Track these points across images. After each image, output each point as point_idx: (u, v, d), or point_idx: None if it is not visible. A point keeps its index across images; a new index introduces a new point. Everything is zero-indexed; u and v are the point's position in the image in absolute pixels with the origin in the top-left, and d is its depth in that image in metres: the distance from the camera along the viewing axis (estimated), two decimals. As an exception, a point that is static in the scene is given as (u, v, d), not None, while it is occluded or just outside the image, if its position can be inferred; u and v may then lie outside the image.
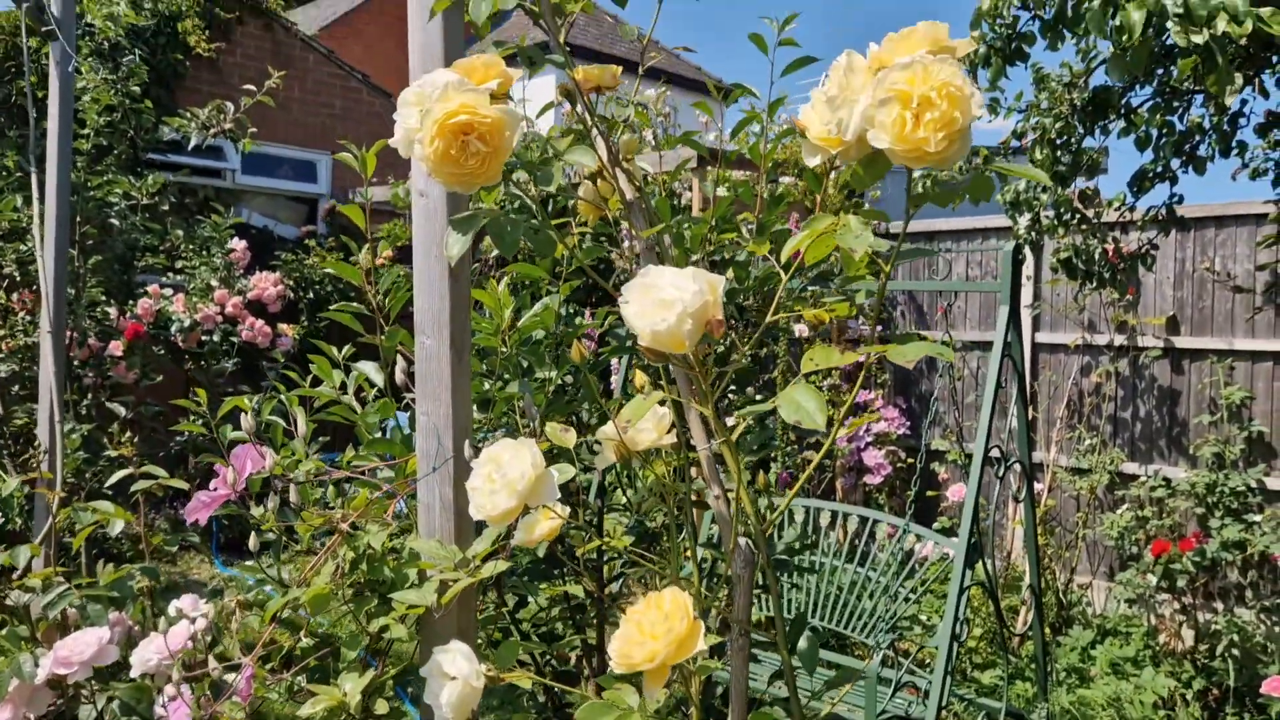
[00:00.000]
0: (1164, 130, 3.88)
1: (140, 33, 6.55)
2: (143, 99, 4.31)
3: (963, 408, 6.01)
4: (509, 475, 1.09)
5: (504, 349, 1.96)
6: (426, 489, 1.45)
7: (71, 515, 2.17)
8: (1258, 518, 4.86)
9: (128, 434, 2.45)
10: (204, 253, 6.29)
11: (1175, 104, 3.74)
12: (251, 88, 4.11)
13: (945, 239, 6.38)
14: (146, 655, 1.88)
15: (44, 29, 2.91)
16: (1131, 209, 4.06)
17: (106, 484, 2.31)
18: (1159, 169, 3.92)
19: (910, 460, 6.02)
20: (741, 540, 1.26)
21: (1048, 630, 4.94)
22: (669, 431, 1.31)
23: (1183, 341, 5.35)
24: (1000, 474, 3.91)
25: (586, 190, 1.58)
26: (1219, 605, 5.02)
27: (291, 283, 7.69)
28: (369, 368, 1.87)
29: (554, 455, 1.47)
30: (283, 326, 7.07)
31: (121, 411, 3.60)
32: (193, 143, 4.15)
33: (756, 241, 1.29)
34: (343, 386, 2.06)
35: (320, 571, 1.38)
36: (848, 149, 1.12)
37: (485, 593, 1.95)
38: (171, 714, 1.36)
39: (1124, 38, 1.92)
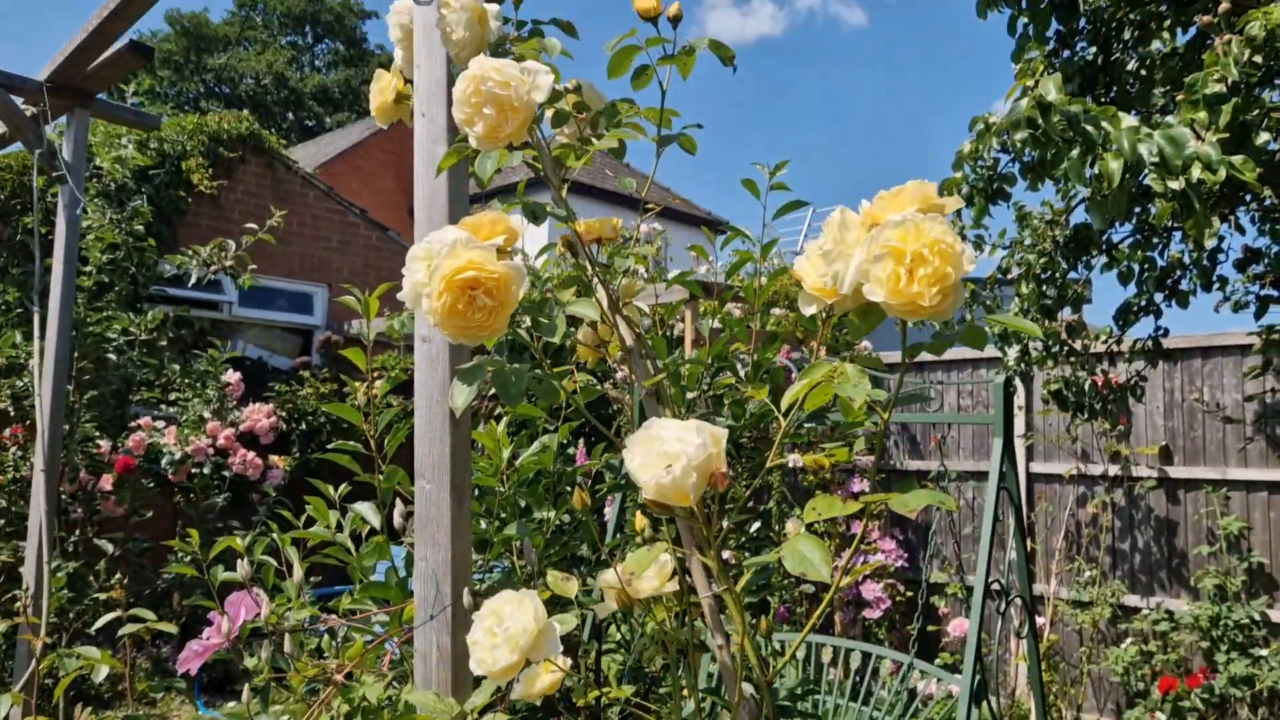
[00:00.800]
0: (1145, 266, 3.97)
1: (146, 175, 6.73)
2: (146, 237, 4.40)
3: (960, 539, 5.96)
4: (511, 629, 1.07)
5: (502, 489, 1.96)
6: (423, 637, 1.43)
7: (56, 662, 2.11)
8: (1264, 651, 4.77)
9: (117, 575, 2.41)
10: (199, 386, 6.32)
11: (1155, 240, 3.85)
12: (254, 226, 4.22)
13: (936, 369, 6.44)
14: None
15: (55, 174, 2.99)
16: (1119, 341, 4.12)
17: (94, 627, 2.26)
18: (1143, 303, 4.00)
19: (909, 593, 5.93)
20: (746, 687, 1.23)
21: (1057, 772, 4.78)
22: (671, 578, 1.30)
23: (1177, 471, 5.35)
24: (1001, 609, 3.85)
25: (586, 335, 1.61)
26: (1231, 744, 4.88)
27: (284, 414, 7.69)
28: (366, 509, 1.85)
29: (554, 602, 1.46)
30: (274, 459, 7.03)
31: (109, 549, 3.55)
32: (193, 279, 4.24)
33: (755, 387, 1.30)
34: (338, 526, 2.04)
35: (313, 725, 1.34)
36: (843, 300, 1.15)
37: (479, 742, 1.89)
38: None
39: (1103, 185, 1.99)
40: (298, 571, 1.58)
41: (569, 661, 1.19)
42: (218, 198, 8.02)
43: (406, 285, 1.11)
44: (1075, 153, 2.04)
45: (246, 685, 1.43)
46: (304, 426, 7.96)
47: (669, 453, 0.95)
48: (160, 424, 6.68)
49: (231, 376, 7.20)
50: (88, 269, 4.08)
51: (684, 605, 1.39)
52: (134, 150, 5.29)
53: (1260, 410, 5.07)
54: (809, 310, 1.23)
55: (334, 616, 1.64)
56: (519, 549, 2.02)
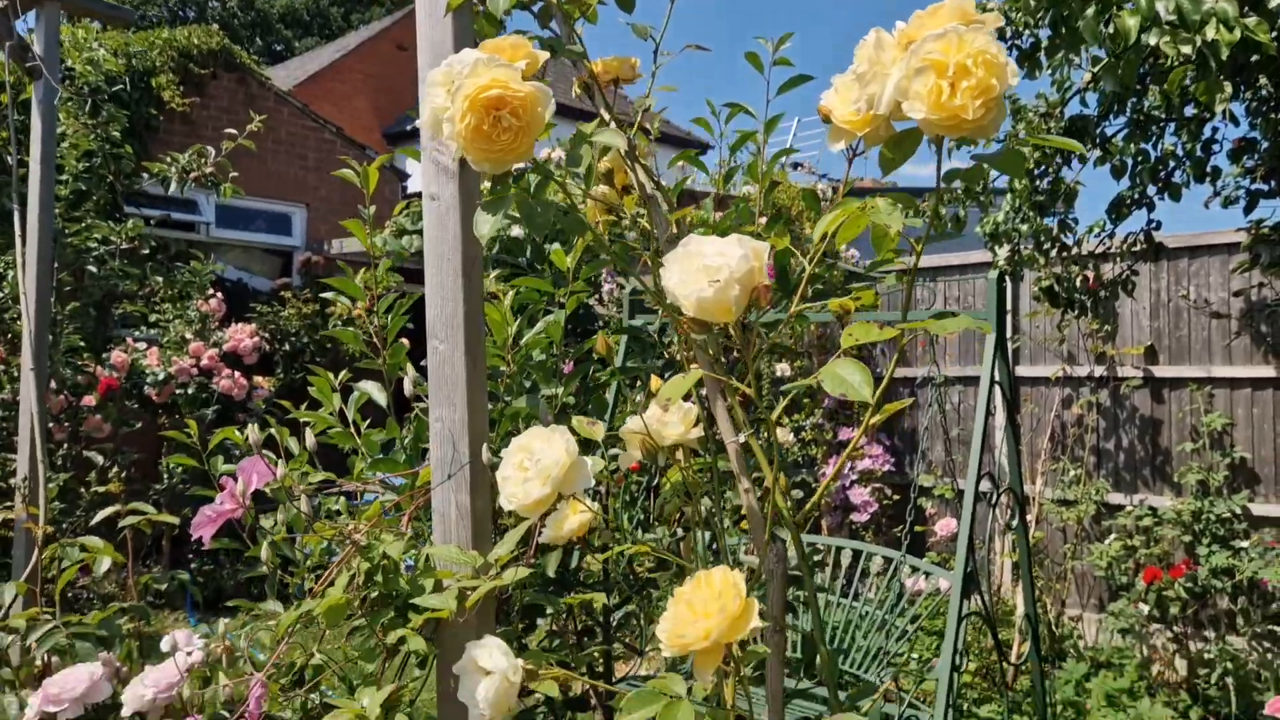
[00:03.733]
0: (1139, 158, 3.95)
1: (115, 85, 6.54)
2: (122, 143, 4.27)
3: (949, 443, 6.00)
4: (543, 462, 1.05)
5: (507, 367, 1.93)
6: (442, 497, 1.41)
7: (58, 551, 2.09)
8: (1245, 544, 4.87)
9: (115, 469, 2.39)
10: (182, 301, 6.22)
11: (1150, 130, 3.82)
12: (232, 131, 4.11)
13: (920, 276, 6.42)
14: (141, 692, 1.80)
15: (28, 65, 2.88)
16: (1111, 235, 4.11)
17: (93, 520, 2.24)
18: (1136, 195, 3.98)
19: (896, 497, 6.00)
20: (781, 535, 1.23)
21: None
22: (695, 425, 1.28)
23: (1162, 371, 5.40)
24: (993, 501, 3.89)
25: (598, 191, 1.57)
26: (1210, 634, 5.01)
27: (267, 335, 7.61)
28: (372, 387, 1.83)
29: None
30: (258, 379, 6.98)
31: (100, 460, 3.52)
32: (171, 188, 4.13)
33: (777, 233, 1.27)
34: (341, 415, 2.01)
35: (334, 583, 1.33)
36: (877, 128, 1.11)
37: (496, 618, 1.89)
38: (181, 735, 1.29)
39: (1118, 45, 1.95)
40: (310, 439, 1.56)
41: (598, 505, 1.17)
42: (190, 115, 7.81)
43: (424, 112, 1.07)
44: (1091, 11, 2.00)
45: (265, 544, 1.42)
46: (287, 348, 7.90)
47: (710, 266, 0.92)
48: (141, 345, 6.60)
49: (213, 299, 7.10)
50: (64, 177, 3.95)
51: (707, 462, 1.38)
52: (107, 53, 5.07)
53: (1245, 307, 5.10)
54: (836, 146, 1.20)
55: (348, 482, 1.62)
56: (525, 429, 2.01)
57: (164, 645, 1.87)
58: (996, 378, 3.81)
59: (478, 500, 1.39)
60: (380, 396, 1.82)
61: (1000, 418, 4.01)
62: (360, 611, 1.34)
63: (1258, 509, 4.96)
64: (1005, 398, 3.87)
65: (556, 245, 2.03)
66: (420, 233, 7.33)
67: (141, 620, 2.20)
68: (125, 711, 1.83)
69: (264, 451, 2.33)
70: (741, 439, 1.28)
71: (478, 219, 1.04)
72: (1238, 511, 4.91)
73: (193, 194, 8.10)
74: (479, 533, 1.39)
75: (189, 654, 1.82)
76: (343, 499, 1.58)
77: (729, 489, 2.03)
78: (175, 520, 2.14)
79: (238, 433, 2.20)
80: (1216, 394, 5.20)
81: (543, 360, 1.91)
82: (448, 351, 1.42)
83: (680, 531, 2.11)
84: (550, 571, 1.78)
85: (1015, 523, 3.96)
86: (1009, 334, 5.87)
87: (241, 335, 7.21)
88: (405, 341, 1.85)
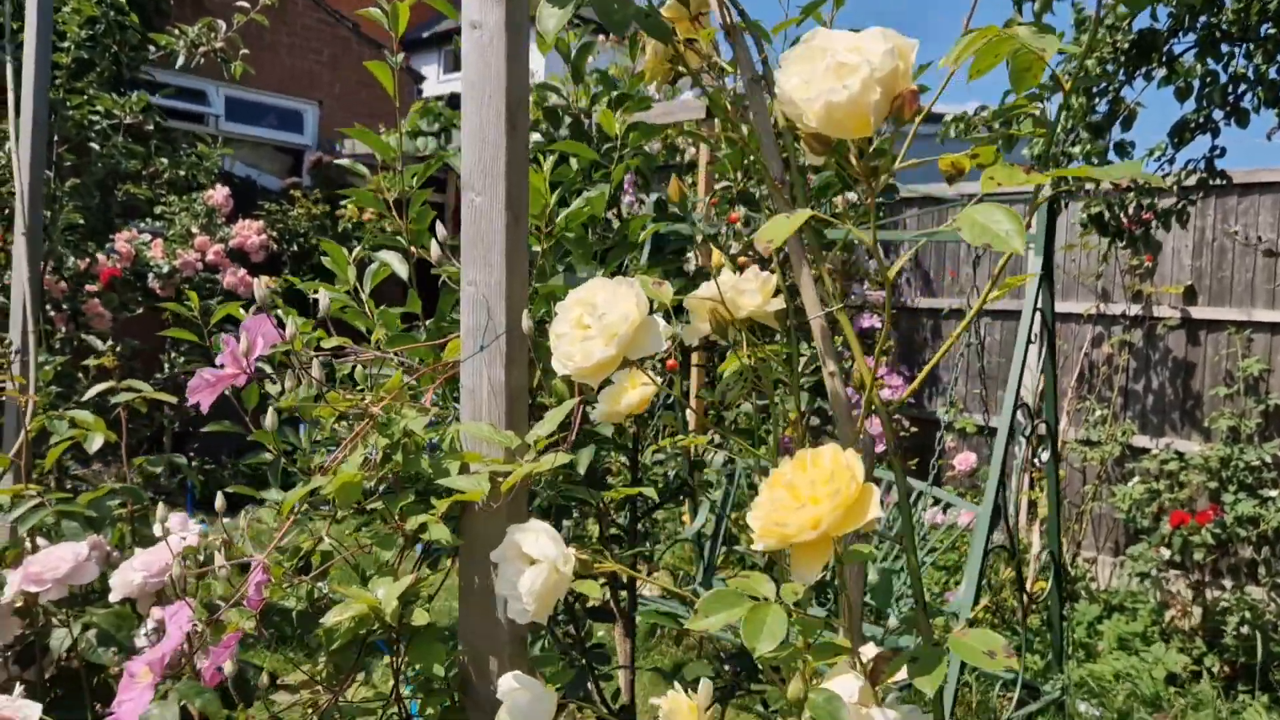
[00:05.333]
0: (1207, 79, 3.71)
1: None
2: (129, 12, 4.03)
3: (971, 376, 5.84)
4: (608, 318, 0.88)
5: (541, 245, 1.75)
6: (472, 372, 1.24)
7: (46, 424, 1.94)
8: (1273, 493, 4.73)
9: (109, 343, 2.23)
10: (189, 193, 6.00)
11: (1223, 48, 3.58)
12: (244, 4, 3.87)
13: (957, 206, 6.19)
14: (129, 576, 1.66)
15: (23, -95, 2.65)
16: (1170, 161, 3.88)
17: (84, 396, 2.08)
18: (1200, 119, 3.75)
19: (915, 429, 5.85)
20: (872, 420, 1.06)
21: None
22: (775, 296, 1.11)
23: (1200, 312, 5.20)
24: (1026, 432, 3.74)
25: (658, 49, 1.37)
26: (1228, 582, 4.89)
27: (275, 234, 7.40)
28: (392, 257, 1.65)
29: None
30: (265, 279, 6.79)
31: (99, 344, 3.35)
32: (179, 62, 3.90)
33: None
34: (355, 294, 1.83)
35: (348, 460, 1.17)
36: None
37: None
38: (170, 619, 1.14)
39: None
40: (324, 299, 1.38)
41: (663, 380, 1.00)
42: (202, 1, 7.50)
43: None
44: None
45: (271, 410, 1.25)
46: (295, 248, 7.69)
47: (844, 64, 0.74)
48: (146, 237, 6.40)
49: (220, 193, 6.88)
50: (64, 45, 3.73)
51: (789, 347, 1.21)
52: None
53: (1296, 249, 4.89)
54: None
55: (367, 350, 1.45)
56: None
57: (156, 528, 1.73)
58: (1039, 305, 3.63)
59: (514, 375, 1.22)
60: (401, 268, 1.64)
61: (1044, 346, 3.84)
62: (377, 495, 1.18)
63: (1290, 458, 4.81)
64: (1046, 326, 3.69)
65: (603, 107, 1.83)
66: (435, 134, 6.99)
67: (135, 503, 2.06)
68: (113, 596, 1.69)
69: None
70: (829, 310, 1.11)
71: (542, 12, 0.85)
72: (1268, 460, 4.76)
73: (202, 84, 7.83)
74: (514, 412, 1.22)
75: (183, 538, 1.68)
76: (360, 369, 1.41)
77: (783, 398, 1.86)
78: (173, 399, 1.98)
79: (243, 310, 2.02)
80: (1256, 338, 5.01)
81: (583, 237, 1.73)
82: (485, 205, 1.24)
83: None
84: (581, 469, 1.62)
85: (1046, 456, 3.81)
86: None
87: (249, 232, 7.02)
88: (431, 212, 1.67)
